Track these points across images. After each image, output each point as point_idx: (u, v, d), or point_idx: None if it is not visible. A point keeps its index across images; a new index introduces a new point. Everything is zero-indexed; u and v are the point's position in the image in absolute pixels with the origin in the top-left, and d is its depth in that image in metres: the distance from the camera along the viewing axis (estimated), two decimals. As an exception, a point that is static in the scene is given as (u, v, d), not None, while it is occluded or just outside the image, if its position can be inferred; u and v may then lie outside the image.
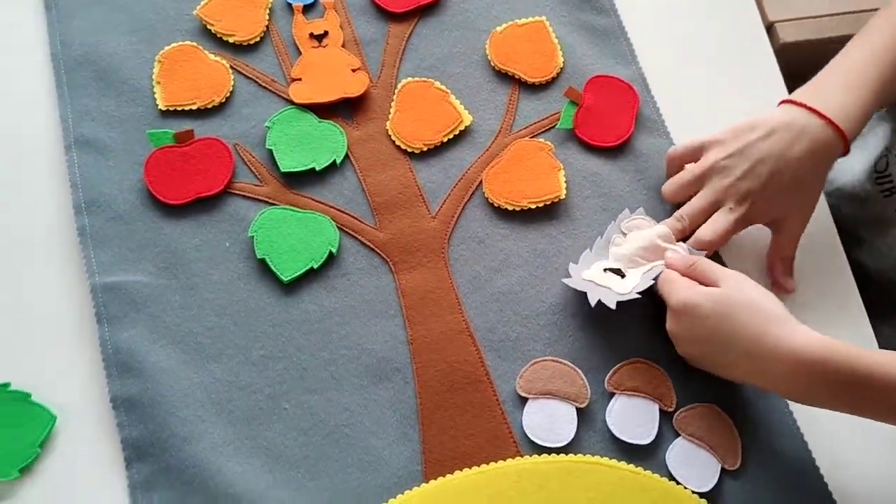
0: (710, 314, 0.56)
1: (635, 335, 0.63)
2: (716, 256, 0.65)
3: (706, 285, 0.58)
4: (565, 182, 0.67)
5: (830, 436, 0.60)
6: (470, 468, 0.58)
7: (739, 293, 0.56)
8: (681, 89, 0.72)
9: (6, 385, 0.60)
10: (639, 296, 0.61)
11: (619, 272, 0.63)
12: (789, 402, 0.60)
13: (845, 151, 0.62)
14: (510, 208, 0.66)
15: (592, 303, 0.61)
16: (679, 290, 0.58)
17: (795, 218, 0.64)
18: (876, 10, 0.66)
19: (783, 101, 0.63)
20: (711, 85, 0.73)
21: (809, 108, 0.61)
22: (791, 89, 0.69)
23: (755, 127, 0.62)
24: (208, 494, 0.57)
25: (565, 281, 0.63)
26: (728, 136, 0.63)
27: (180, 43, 0.71)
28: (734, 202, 0.62)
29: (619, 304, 0.60)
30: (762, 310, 0.55)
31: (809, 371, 0.52)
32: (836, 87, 0.62)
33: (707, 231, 0.62)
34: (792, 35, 0.78)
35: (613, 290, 0.61)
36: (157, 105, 0.69)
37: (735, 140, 0.62)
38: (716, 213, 0.62)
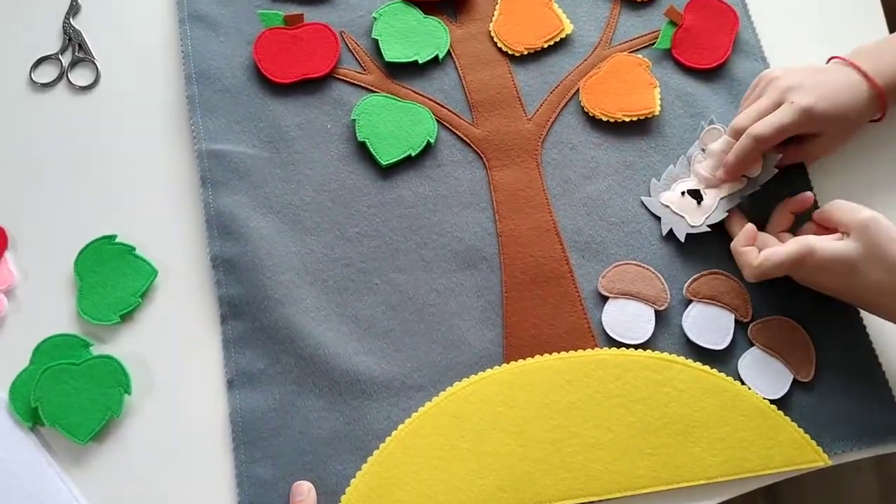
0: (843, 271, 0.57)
1: (718, 249, 0.64)
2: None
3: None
4: (660, 99, 0.68)
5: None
6: (549, 354, 0.61)
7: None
8: (781, 16, 0.73)
9: (113, 237, 0.63)
10: (709, 229, 0.63)
11: (697, 195, 0.64)
12: (864, 317, 0.62)
13: (881, 117, 0.64)
14: (604, 119, 0.67)
15: (664, 231, 0.63)
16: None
17: (828, 140, 0.64)
18: None
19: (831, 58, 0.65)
20: (811, 13, 0.74)
21: (855, 68, 0.63)
22: (892, 26, 0.70)
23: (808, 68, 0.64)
24: (298, 355, 0.60)
25: (644, 200, 0.65)
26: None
27: (294, -71, 0.73)
28: (795, 98, 0.62)
29: (688, 236, 0.63)
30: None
31: None
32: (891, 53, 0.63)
33: (762, 123, 0.61)
34: None
35: (686, 221, 0.63)
36: (269, -13, 0.71)
37: (793, 71, 0.64)
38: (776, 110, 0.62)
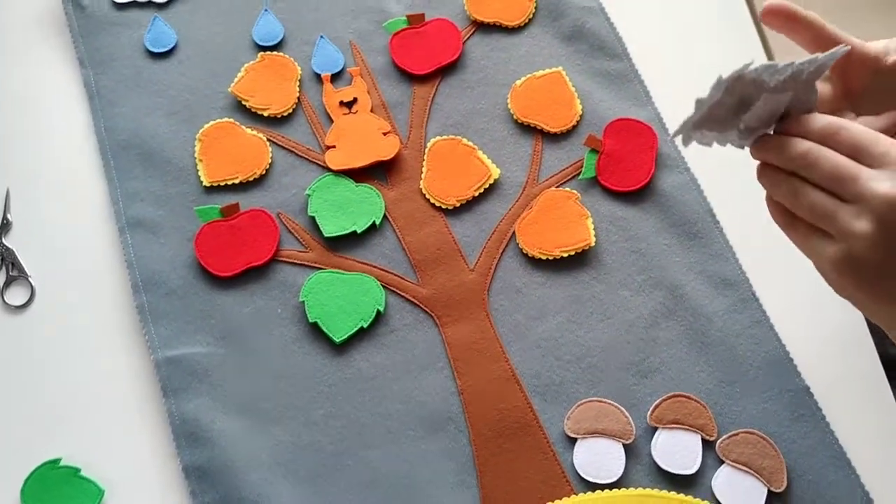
0: None
1: (672, 371, 0.66)
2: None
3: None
4: (594, 228, 0.70)
5: (873, 453, 0.63)
6: (528, 510, 0.61)
7: None
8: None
9: (56, 461, 0.63)
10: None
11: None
12: (825, 415, 0.63)
13: None
14: (543, 258, 0.69)
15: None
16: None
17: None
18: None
19: None
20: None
21: None
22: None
23: None
24: (282, 553, 0.60)
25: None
26: None
27: (218, 120, 0.75)
28: None
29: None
30: None
31: None
32: None
33: None
34: None
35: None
36: (202, 182, 0.72)
37: None
38: None
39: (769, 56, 0.80)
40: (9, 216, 0.71)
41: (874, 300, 0.44)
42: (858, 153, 0.43)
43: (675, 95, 0.76)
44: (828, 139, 0.44)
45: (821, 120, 0.45)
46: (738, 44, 0.80)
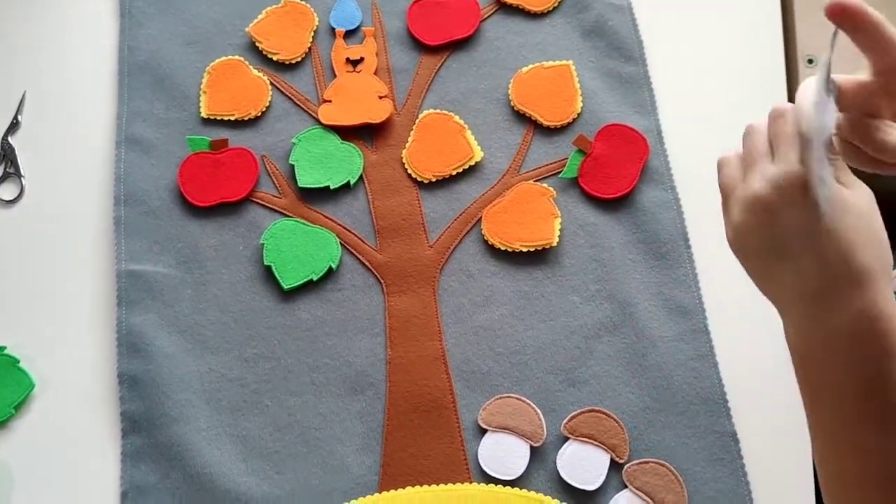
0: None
1: (603, 382, 0.65)
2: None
3: None
4: (560, 229, 0.69)
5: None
6: (422, 486, 0.62)
7: (868, 206, 0.43)
8: (696, 146, 0.72)
9: (2, 348, 0.68)
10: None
11: None
12: (745, 464, 0.61)
13: None
14: (503, 248, 0.69)
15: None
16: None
17: None
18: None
19: None
20: (727, 147, 0.73)
21: None
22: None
23: None
24: (186, 472, 0.63)
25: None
26: None
27: (229, 57, 0.78)
28: None
29: None
30: (878, 245, 0.42)
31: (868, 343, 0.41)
32: None
33: None
34: None
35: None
36: (200, 113, 0.75)
37: None
38: None
39: (790, 92, 0.76)
40: (19, 117, 0.77)
41: (753, 275, 0.46)
42: (773, 143, 0.44)
43: (681, 109, 0.74)
44: (769, 121, 0.46)
45: (778, 104, 0.46)
46: (759, 76, 0.76)
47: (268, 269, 0.70)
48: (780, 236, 0.42)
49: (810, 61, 0.78)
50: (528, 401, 0.64)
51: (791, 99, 0.74)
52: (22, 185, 0.74)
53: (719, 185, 0.48)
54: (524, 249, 0.69)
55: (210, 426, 0.65)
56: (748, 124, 0.48)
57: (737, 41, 0.78)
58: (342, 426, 0.65)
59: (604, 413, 0.64)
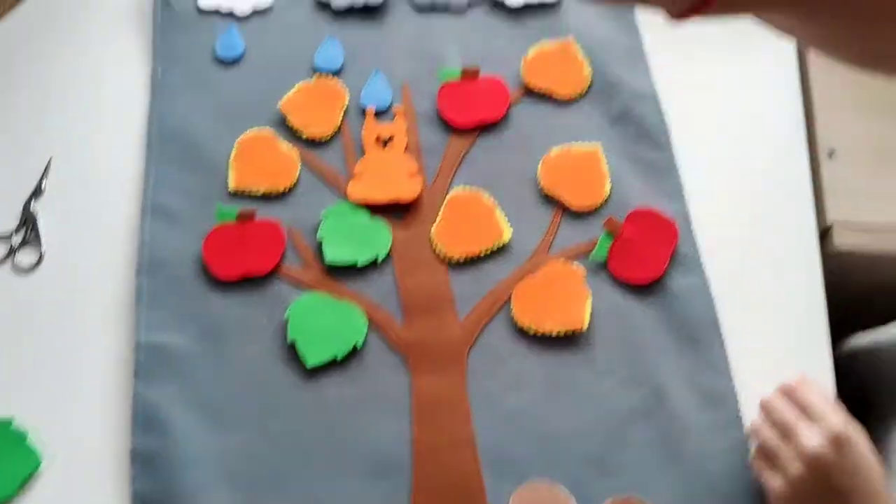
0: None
1: (636, 470, 0.63)
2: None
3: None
4: (591, 311, 0.68)
5: None
6: (448, 579, 0.59)
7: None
8: (723, 232, 0.73)
9: (9, 422, 0.65)
10: None
11: None
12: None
13: None
14: (532, 330, 0.68)
15: None
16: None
17: None
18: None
19: None
20: (752, 235, 0.74)
21: None
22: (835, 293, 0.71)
23: None
24: (201, 556, 0.60)
25: None
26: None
27: (259, 130, 0.78)
28: None
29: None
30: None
31: None
32: None
33: None
34: (848, 243, 0.76)
35: None
36: (228, 185, 0.75)
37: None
38: None
39: (814, 182, 0.77)
40: (44, 183, 0.76)
41: None
42: (803, 410, 0.59)
43: (708, 195, 0.75)
44: (787, 393, 0.61)
45: (785, 384, 0.62)
46: (784, 163, 0.78)
47: (290, 347, 0.68)
48: (838, 484, 0.56)
49: (830, 154, 0.79)
50: (560, 487, 0.62)
51: (815, 189, 0.76)
52: (41, 252, 0.73)
53: (761, 446, 0.60)
54: (554, 333, 0.68)
55: (226, 507, 0.62)
56: (764, 400, 0.62)
57: (760, 131, 0.79)
58: (365, 511, 0.62)
59: (639, 500, 0.62)
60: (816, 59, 0.84)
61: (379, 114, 0.79)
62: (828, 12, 0.40)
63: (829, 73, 0.83)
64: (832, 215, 0.76)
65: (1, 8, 0.86)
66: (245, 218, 0.73)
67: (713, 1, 0.37)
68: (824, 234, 0.76)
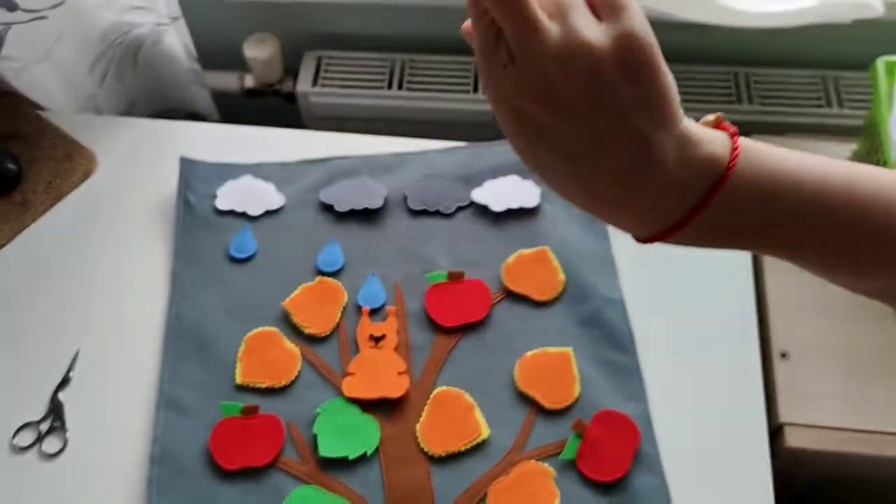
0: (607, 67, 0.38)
1: None
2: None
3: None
4: (559, 509, 0.75)
5: None
6: None
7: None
8: (682, 433, 0.80)
9: None
10: None
11: None
12: None
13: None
14: (506, 526, 0.75)
15: None
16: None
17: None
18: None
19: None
20: (707, 433, 0.81)
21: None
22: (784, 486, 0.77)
23: None
24: None
25: None
26: None
27: (265, 327, 0.87)
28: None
29: None
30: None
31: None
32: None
33: None
34: (798, 441, 0.82)
35: None
36: (235, 379, 0.84)
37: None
38: None
39: (765, 381, 0.85)
40: (71, 374, 0.85)
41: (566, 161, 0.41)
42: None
43: (668, 397, 0.82)
44: None
45: None
46: (739, 364, 0.85)
47: (287, 537, 0.75)
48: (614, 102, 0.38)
49: (783, 355, 0.87)
50: None
51: (767, 389, 0.84)
52: (66, 439, 0.81)
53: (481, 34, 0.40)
54: (527, 529, 0.74)
55: None
56: None
57: (716, 333, 0.87)
58: None
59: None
60: (771, 262, 0.93)
61: (373, 312, 0.88)
62: (810, 261, 0.42)
63: (785, 273, 0.92)
64: (784, 416, 0.84)
65: (41, 206, 0.97)
66: (249, 412, 0.81)
67: (673, 233, 0.40)
68: (776, 432, 0.84)
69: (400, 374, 0.83)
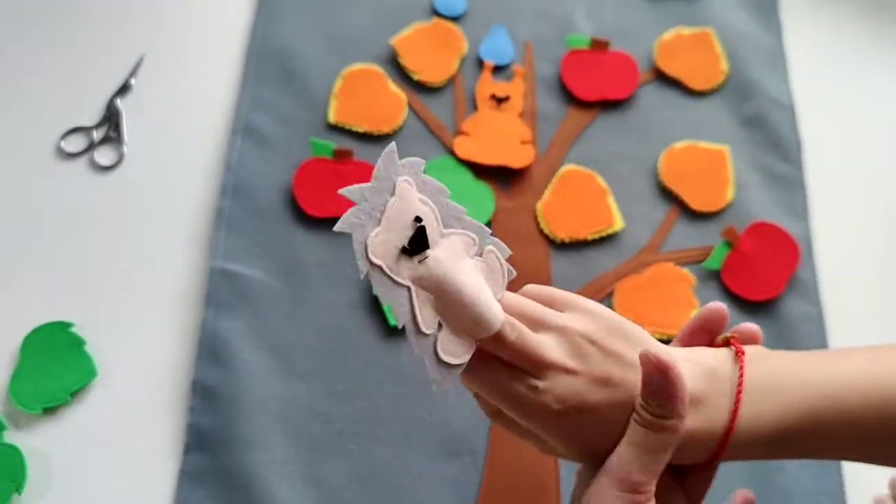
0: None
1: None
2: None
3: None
4: (697, 320, 0.64)
5: None
6: (510, 577, 0.56)
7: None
8: (846, 261, 0.68)
9: (69, 325, 0.61)
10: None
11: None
12: None
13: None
14: (633, 327, 0.63)
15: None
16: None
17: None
18: None
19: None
20: (877, 271, 0.69)
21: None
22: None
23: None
24: (251, 506, 0.56)
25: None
26: None
27: (367, 65, 0.72)
28: None
29: None
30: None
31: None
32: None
33: None
34: None
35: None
36: (328, 117, 0.70)
37: None
38: None
39: None
40: (132, 80, 0.70)
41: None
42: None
43: (834, 219, 0.70)
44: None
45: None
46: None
47: (375, 300, 0.63)
48: None
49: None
50: None
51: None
52: (122, 152, 0.68)
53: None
54: (655, 335, 0.63)
55: (285, 461, 0.58)
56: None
57: None
58: (431, 491, 0.58)
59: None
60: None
61: (497, 70, 0.74)
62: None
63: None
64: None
65: None
66: (342, 156, 0.68)
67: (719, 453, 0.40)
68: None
69: (524, 142, 0.70)
